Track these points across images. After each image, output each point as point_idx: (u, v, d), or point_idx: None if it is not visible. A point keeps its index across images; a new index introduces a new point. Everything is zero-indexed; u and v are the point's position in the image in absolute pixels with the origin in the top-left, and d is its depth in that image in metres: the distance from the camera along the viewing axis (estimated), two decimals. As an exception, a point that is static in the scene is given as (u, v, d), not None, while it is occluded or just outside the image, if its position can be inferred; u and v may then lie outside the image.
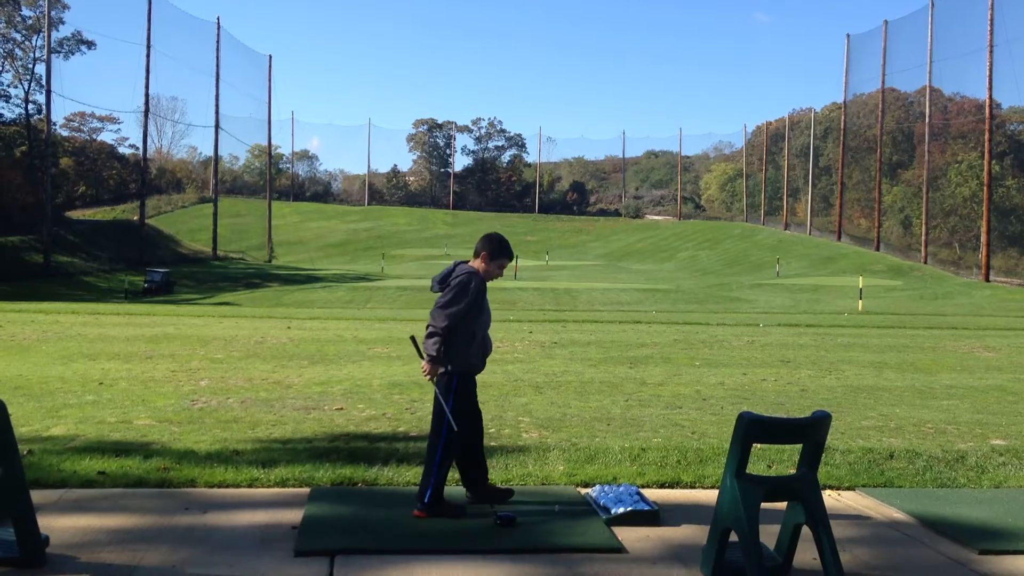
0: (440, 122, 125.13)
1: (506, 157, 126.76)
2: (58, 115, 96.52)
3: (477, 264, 6.49)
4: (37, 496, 5.84)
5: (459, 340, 6.26)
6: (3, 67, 64.62)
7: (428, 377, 6.34)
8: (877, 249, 67.94)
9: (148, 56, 64.00)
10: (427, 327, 6.31)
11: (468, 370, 6.38)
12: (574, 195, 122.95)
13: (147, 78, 64.39)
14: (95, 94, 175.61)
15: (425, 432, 8.90)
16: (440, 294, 6.33)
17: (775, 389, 12.38)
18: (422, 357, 6.46)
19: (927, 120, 64.61)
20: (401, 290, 44.21)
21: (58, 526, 5.72)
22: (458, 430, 6.25)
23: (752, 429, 5.00)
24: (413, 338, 6.74)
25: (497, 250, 6.52)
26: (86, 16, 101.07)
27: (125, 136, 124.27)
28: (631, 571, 5.29)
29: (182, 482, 6.88)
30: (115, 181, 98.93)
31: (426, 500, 6.15)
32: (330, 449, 7.97)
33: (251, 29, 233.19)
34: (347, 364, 14.15)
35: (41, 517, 5.40)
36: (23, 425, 8.71)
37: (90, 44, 67.96)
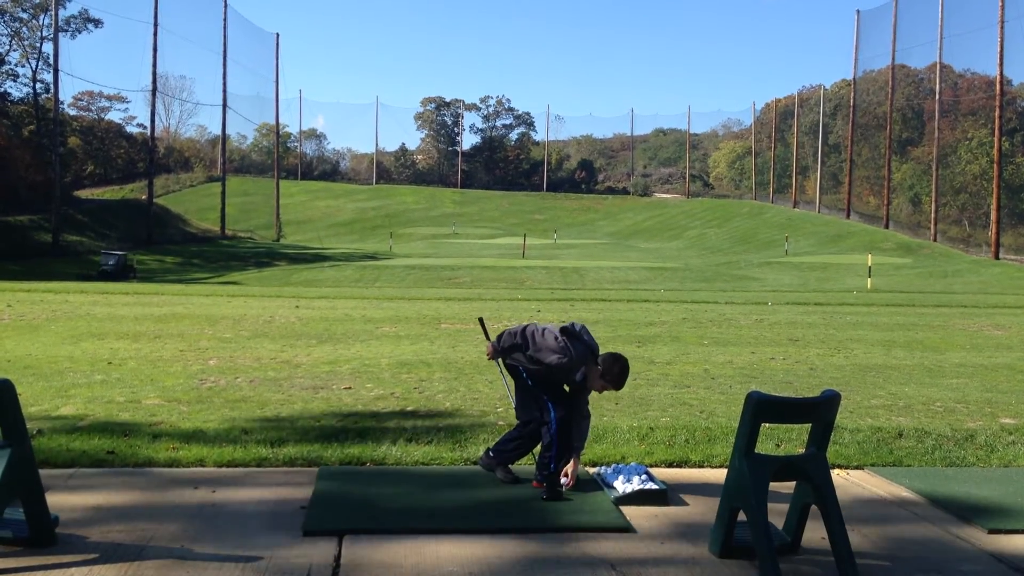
0: (448, 100, 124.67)
1: (514, 135, 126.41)
2: (66, 94, 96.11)
3: (592, 368, 6.29)
4: (46, 476, 5.87)
5: (543, 369, 6.31)
6: (10, 46, 64.61)
7: (489, 357, 6.55)
8: (886, 227, 67.62)
9: (155, 34, 63.72)
10: (527, 327, 6.40)
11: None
12: (582, 173, 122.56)
13: (154, 56, 64.15)
14: (103, 73, 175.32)
15: (434, 411, 8.91)
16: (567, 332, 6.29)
17: (784, 368, 12.36)
18: (488, 339, 6.68)
19: (937, 97, 64.11)
20: (409, 269, 44.19)
21: (68, 506, 5.74)
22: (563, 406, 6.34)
23: (761, 409, 4.98)
24: (481, 320, 7.22)
25: (610, 374, 6.25)
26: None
27: (133, 115, 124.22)
28: (640, 550, 5.29)
29: (191, 461, 6.90)
30: (123, 160, 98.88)
31: (552, 468, 6.20)
32: (338, 428, 7.98)
33: (258, 6, 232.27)
34: (355, 343, 14.16)
35: (50, 497, 5.42)
36: (32, 405, 8.74)
37: (97, 22, 67.83)
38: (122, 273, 40.54)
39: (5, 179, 52.76)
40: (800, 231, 69.54)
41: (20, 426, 5.04)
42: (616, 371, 6.26)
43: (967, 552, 5.42)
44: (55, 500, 5.64)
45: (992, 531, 5.75)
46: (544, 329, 6.37)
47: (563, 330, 6.32)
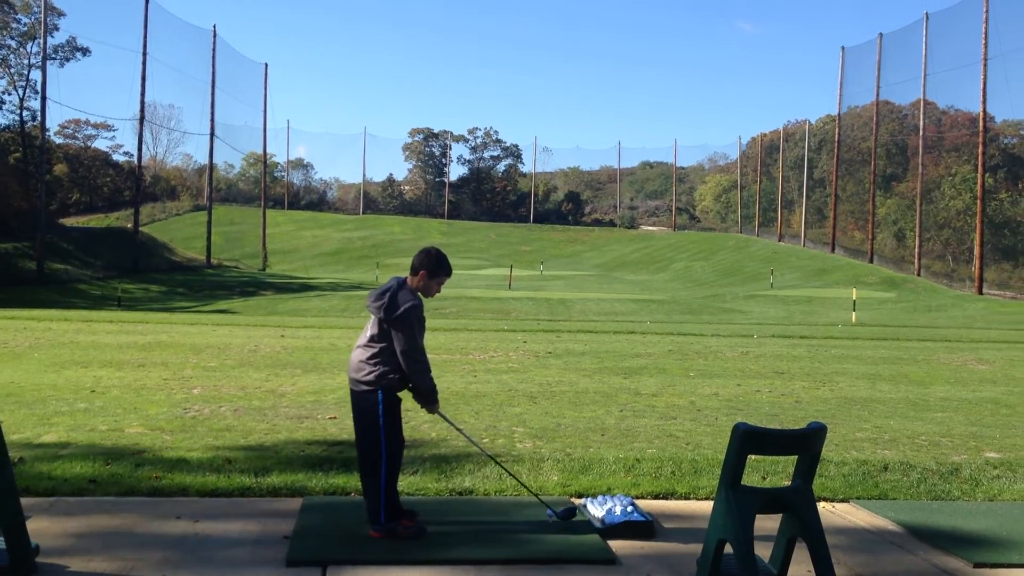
0: (436, 131, 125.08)
1: (501, 167, 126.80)
2: (53, 122, 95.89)
3: (415, 282, 6.21)
4: (28, 504, 5.81)
5: (390, 362, 5.99)
6: (-2, 74, 64.54)
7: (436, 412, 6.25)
8: (871, 261, 68.04)
9: (144, 63, 63.80)
10: (413, 368, 5.97)
11: (391, 387, 6.03)
12: (569, 205, 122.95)
13: (143, 85, 64.21)
14: (90, 101, 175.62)
15: (421, 442, 8.87)
16: (388, 319, 5.96)
17: (769, 400, 12.37)
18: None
19: (921, 133, 64.75)
20: (395, 299, 44.05)
21: (49, 534, 5.68)
22: (396, 443, 6.03)
23: (747, 440, 4.98)
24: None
25: (436, 267, 6.25)
26: (81, 23, 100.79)
27: (120, 143, 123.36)
28: (625, 582, 5.26)
29: (174, 490, 6.84)
30: (109, 188, 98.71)
31: (382, 520, 5.91)
32: (323, 458, 7.93)
33: (247, 36, 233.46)
34: (341, 373, 14.09)
35: (31, 525, 5.37)
36: (14, 432, 8.66)
37: (85, 51, 67.83)
38: None
39: (-10, 206, 52.62)
40: (785, 264, 69.86)
41: (1, 453, 5.00)
42: (436, 261, 6.29)
43: (953, 586, 5.41)
44: (36, 528, 5.58)
45: (977, 565, 5.75)
46: (400, 339, 5.99)
47: (385, 296, 6.08)
